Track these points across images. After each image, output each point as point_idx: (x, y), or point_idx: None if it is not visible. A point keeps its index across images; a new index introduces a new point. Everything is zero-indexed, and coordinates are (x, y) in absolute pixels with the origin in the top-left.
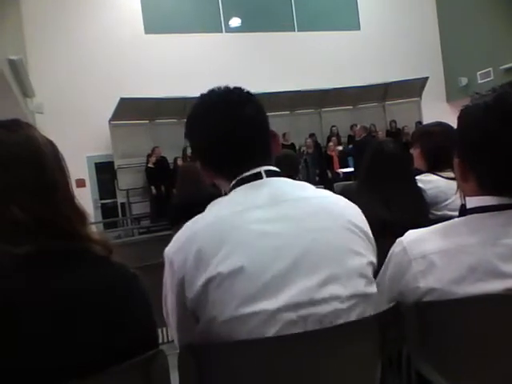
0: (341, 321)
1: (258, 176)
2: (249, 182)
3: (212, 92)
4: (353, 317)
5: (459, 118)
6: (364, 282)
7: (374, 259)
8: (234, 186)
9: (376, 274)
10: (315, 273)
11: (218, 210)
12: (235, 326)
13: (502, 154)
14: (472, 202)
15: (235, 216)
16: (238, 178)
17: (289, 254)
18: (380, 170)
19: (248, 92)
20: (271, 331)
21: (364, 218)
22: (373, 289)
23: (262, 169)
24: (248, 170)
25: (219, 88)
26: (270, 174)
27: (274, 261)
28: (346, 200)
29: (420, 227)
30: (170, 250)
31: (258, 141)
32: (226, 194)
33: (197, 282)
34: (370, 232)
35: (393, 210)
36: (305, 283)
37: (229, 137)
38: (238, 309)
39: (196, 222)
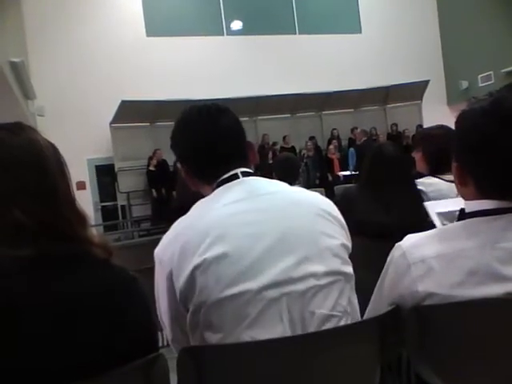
0: (320, 295)
1: (235, 177)
2: (227, 183)
3: (192, 108)
4: (333, 292)
5: (457, 123)
6: (339, 261)
7: (347, 243)
8: (214, 189)
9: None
10: (291, 254)
11: (200, 208)
12: (222, 306)
13: (500, 156)
14: (470, 206)
15: (216, 211)
16: (217, 181)
17: (266, 240)
18: (380, 173)
19: (225, 106)
20: (256, 309)
21: (335, 207)
22: (349, 269)
23: (239, 170)
24: (226, 173)
25: (199, 104)
26: (245, 174)
27: (254, 246)
28: (318, 194)
29: (420, 230)
30: (158, 250)
31: (236, 149)
32: None
33: (184, 271)
34: (341, 218)
35: (392, 213)
36: (282, 264)
37: (209, 148)
38: (224, 291)
39: (180, 221)
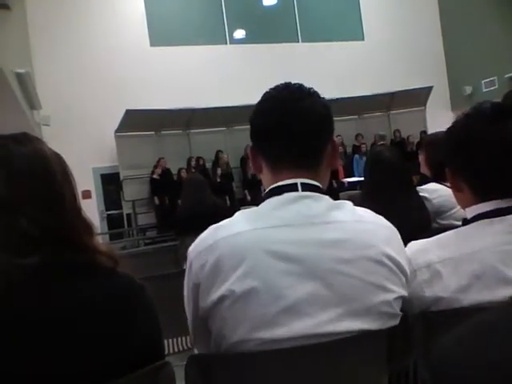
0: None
1: (292, 187)
2: (282, 192)
3: (280, 85)
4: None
5: (446, 135)
6: (385, 318)
7: (404, 292)
8: (268, 194)
9: None
10: (333, 306)
11: (245, 221)
12: (246, 347)
13: (489, 153)
14: (471, 211)
15: (260, 233)
16: (272, 186)
17: (308, 283)
18: (379, 180)
19: (310, 89)
20: None
21: (400, 242)
22: (395, 321)
23: (299, 181)
24: (284, 172)
25: (289, 83)
26: (306, 187)
27: (292, 288)
28: (383, 223)
29: (422, 234)
30: (192, 251)
31: (306, 144)
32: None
33: (211, 295)
34: (403, 261)
35: (395, 219)
36: (321, 316)
37: (270, 131)
38: (248, 334)
39: (221, 228)
